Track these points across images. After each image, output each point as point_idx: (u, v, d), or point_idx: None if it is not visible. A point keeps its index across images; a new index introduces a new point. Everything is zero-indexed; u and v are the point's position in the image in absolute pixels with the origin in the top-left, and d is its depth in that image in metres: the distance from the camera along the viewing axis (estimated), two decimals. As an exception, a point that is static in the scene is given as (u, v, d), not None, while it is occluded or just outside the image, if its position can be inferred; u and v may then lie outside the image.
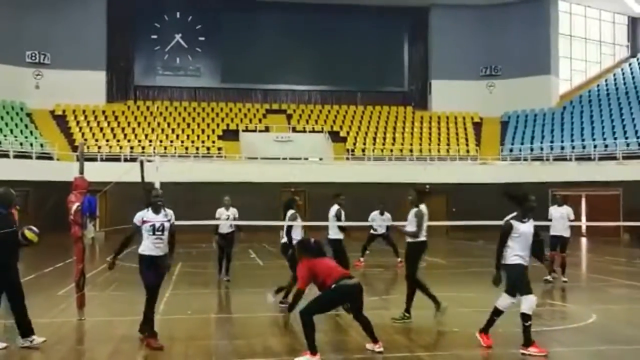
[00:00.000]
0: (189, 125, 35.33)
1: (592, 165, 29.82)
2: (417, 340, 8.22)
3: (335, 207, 12.11)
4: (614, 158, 30.01)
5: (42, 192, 26.39)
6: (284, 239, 10.66)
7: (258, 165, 29.77)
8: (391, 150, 34.87)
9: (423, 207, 9.37)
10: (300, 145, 33.50)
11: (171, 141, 33.46)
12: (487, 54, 38.00)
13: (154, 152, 29.66)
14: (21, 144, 29.79)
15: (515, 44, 37.39)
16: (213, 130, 35.03)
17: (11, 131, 30.65)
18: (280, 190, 30.34)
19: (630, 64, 40.40)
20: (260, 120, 36.39)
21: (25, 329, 7.67)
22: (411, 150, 34.79)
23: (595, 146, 31.88)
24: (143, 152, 30.29)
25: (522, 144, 35.00)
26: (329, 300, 7.20)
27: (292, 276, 10.11)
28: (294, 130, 35.78)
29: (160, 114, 35.98)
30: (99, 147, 31.71)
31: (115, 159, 30.41)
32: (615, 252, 16.87)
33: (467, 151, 35.32)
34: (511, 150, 34.76)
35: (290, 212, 10.61)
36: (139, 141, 33.07)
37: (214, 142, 33.88)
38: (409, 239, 9.36)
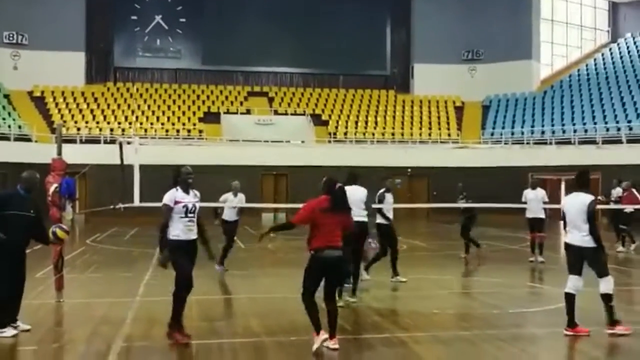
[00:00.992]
0: (169, 107, 35.04)
1: (571, 149, 30.06)
2: (397, 322, 8.26)
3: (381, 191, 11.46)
4: (594, 142, 30.26)
5: (20, 174, 26.06)
6: None
7: (239, 148, 29.66)
8: (373, 134, 34.88)
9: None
10: (282, 128, 33.39)
11: (151, 123, 33.19)
12: (469, 38, 38.04)
13: (134, 135, 29.42)
14: (-1, 125, 29.42)
15: (497, 28, 37.45)
16: (194, 113, 34.78)
17: (-12, 112, 30.23)
18: (262, 174, 30.33)
19: (610, 49, 40.65)
20: (241, 103, 36.19)
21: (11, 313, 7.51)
22: (393, 134, 34.84)
23: (575, 131, 32.11)
24: (123, 135, 30.01)
25: (503, 128, 35.17)
26: (309, 273, 6.59)
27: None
28: (276, 113, 35.64)
29: (141, 95, 35.64)
30: (78, 129, 31.39)
31: (94, 141, 30.11)
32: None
33: (449, 135, 35.43)
34: (492, 134, 34.92)
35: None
36: (119, 123, 32.77)
37: (194, 124, 33.65)
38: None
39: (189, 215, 7.03)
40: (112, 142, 24.13)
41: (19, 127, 30.08)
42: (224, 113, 34.84)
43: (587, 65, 39.04)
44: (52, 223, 9.29)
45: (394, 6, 39.60)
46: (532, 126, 34.25)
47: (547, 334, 7.57)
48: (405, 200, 26.96)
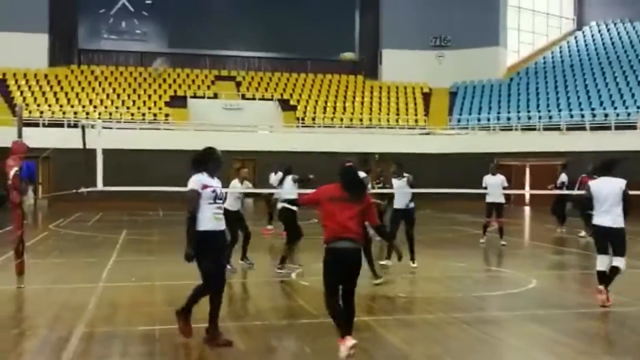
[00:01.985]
0: (135, 91, 34.56)
1: (536, 135, 30.48)
2: (363, 306, 8.27)
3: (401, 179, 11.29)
4: (558, 129, 30.69)
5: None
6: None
7: (206, 133, 29.36)
8: (341, 119, 34.87)
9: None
10: (250, 113, 33.21)
11: (117, 107, 32.70)
12: (437, 25, 38.18)
13: (99, 118, 28.96)
14: (-42, 108, 28.71)
15: (465, 15, 37.65)
16: (160, 97, 34.37)
17: (-53, 94, 29.45)
18: (231, 159, 30.11)
19: (575, 37, 41.19)
20: (208, 87, 35.86)
21: None
22: (361, 120, 34.88)
23: (539, 117, 32.52)
24: (87, 118, 29.53)
25: (469, 114, 35.46)
26: (324, 270, 5.75)
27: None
28: (244, 97, 35.40)
29: (106, 78, 35.07)
30: (41, 113, 30.77)
31: (58, 124, 29.55)
32: (556, 221, 17.51)
33: (416, 121, 35.59)
34: (459, 121, 35.18)
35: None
36: (83, 107, 32.23)
37: (160, 108, 33.26)
38: None
39: (218, 201, 6.24)
40: (76, 125, 23.75)
41: (-20, 109, 29.41)
42: (191, 97, 34.49)
43: (552, 53, 39.51)
44: (13, 207, 9.13)
45: (362, -9, 39.56)
46: (499, 113, 34.60)
47: (510, 317, 7.68)
48: (373, 185, 27.01)
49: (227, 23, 36.46)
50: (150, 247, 14.24)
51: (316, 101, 36.15)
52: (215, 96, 34.99)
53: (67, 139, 22.34)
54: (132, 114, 32.27)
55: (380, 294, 8.91)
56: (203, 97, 34.75)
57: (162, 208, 23.09)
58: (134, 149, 26.96)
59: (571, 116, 31.98)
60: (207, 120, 31.26)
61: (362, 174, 8.43)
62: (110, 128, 27.80)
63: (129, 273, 10.45)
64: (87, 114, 31.13)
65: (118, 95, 33.85)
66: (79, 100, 32.83)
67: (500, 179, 14.58)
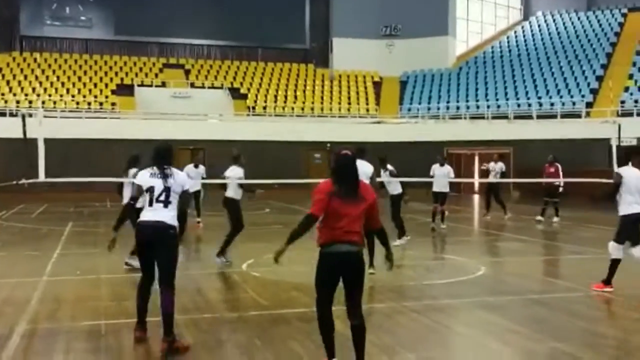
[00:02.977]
0: (80, 79, 33.70)
1: (484, 124, 30.89)
2: (314, 296, 8.19)
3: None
4: (506, 118, 31.17)
5: None
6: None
7: (154, 122, 28.85)
8: (292, 108, 34.73)
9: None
10: (199, 101, 32.76)
11: (61, 96, 31.83)
12: (387, 13, 38.29)
13: (42, 107, 28.12)
14: None
15: (414, 4, 37.83)
16: (106, 85, 33.60)
17: None
18: (178, 148, 29.66)
19: (522, 27, 41.87)
20: (156, 75, 35.22)
21: None
22: (312, 109, 34.78)
23: (488, 106, 33.00)
24: (30, 107, 28.64)
25: (419, 103, 35.72)
26: (317, 276, 5.06)
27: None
28: (193, 85, 34.91)
29: (49, 66, 34.09)
30: (-18, 101, 29.75)
31: (0, 113, 28.61)
32: (501, 208, 17.87)
33: (367, 110, 35.70)
34: (409, 110, 35.42)
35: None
36: (26, 95, 31.26)
37: (107, 97, 32.52)
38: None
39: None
40: (17, 114, 23.02)
41: None
42: (138, 85, 33.84)
43: (500, 43, 40.09)
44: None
45: (313, -21, 39.37)
46: (448, 102, 34.96)
47: (460, 305, 7.72)
48: (326, 175, 27.01)
49: (175, 10, 35.84)
50: (96, 239, 13.86)
51: (267, 89, 35.89)
52: (164, 84, 34.41)
53: (8, 128, 21.68)
54: (78, 103, 31.48)
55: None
56: (151, 86, 34.12)
57: (109, 199, 22.57)
58: (80, 139, 26.32)
59: (518, 105, 32.55)
60: (155, 109, 30.68)
61: (366, 165, 8.38)
62: (54, 117, 27.17)
63: (73, 266, 10.16)
64: (30, 102, 30.19)
65: (62, 84, 32.95)
66: (22, 89, 31.84)
67: (446, 169, 15.30)
